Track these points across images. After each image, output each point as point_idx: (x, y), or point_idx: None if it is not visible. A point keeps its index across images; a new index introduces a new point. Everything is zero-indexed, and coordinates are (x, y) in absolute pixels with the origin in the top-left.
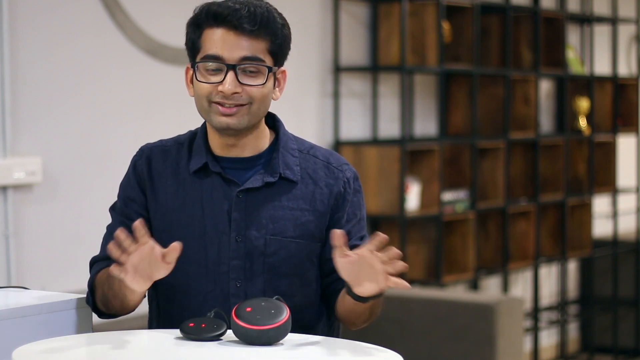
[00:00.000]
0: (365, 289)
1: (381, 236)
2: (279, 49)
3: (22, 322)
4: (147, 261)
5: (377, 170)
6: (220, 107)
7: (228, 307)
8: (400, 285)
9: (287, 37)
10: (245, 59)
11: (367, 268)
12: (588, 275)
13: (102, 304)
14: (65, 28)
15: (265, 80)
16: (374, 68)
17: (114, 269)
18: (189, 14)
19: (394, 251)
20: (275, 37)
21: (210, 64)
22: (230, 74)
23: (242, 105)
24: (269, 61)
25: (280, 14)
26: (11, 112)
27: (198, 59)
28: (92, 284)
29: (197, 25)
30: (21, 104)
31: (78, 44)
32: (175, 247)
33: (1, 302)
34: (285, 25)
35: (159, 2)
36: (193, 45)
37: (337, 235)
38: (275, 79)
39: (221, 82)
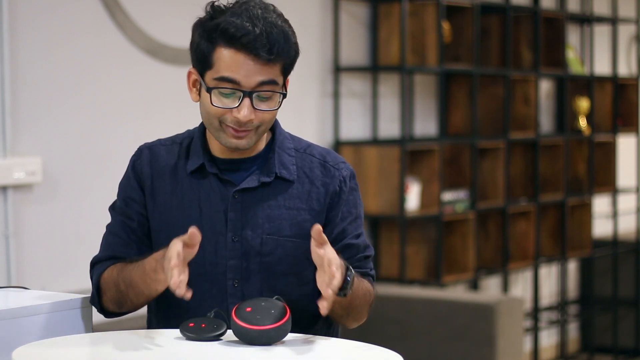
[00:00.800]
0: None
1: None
2: (291, 65)
3: (22, 322)
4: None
5: (377, 170)
6: (232, 131)
7: (226, 307)
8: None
9: (297, 52)
10: (261, 83)
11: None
12: (588, 275)
13: (113, 304)
14: (65, 28)
15: (278, 105)
16: (374, 68)
17: (186, 294)
18: (189, 14)
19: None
20: (289, 57)
21: (226, 90)
22: (246, 101)
23: (250, 129)
24: (280, 81)
25: (290, 27)
26: (11, 112)
27: (210, 77)
28: (98, 285)
29: (209, 39)
30: (21, 104)
31: (78, 44)
32: (193, 232)
33: (1, 302)
34: (296, 41)
35: (159, 2)
36: (204, 57)
37: (315, 230)
38: None
39: (236, 107)
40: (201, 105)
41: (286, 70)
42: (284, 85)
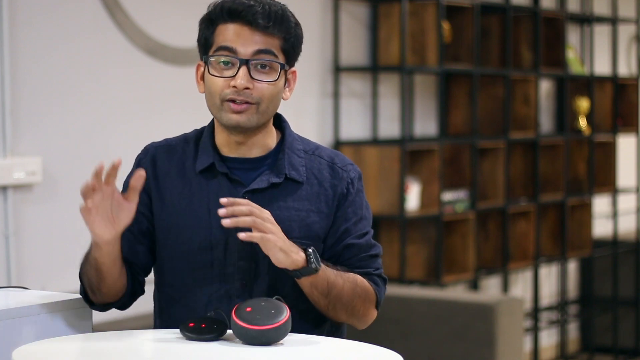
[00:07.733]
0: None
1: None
2: (292, 48)
3: (22, 322)
4: (109, 203)
5: (377, 170)
6: (232, 105)
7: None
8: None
9: (299, 36)
10: (258, 52)
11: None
12: (588, 275)
13: (89, 290)
14: (65, 28)
15: (277, 77)
16: (374, 68)
17: (80, 208)
18: (189, 14)
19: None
20: (289, 35)
21: (224, 57)
22: (243, 69)
23: (251, 103)
24: (281, 56)
25: (293, 14)
26: (11, 112)
27: (211, 52)
28: (80, 274)
29: (211, 21)
30: (21, 104)
31: (78, 43)
32: (141, 175)
33: (1, 302)
34: (298, 25)
35: (159, 2)
36: (206, 41)
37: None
38: (286, 78)
39: (233, 76)
40: (205, 90)
41: (287, 51)
42: (286, 73)
